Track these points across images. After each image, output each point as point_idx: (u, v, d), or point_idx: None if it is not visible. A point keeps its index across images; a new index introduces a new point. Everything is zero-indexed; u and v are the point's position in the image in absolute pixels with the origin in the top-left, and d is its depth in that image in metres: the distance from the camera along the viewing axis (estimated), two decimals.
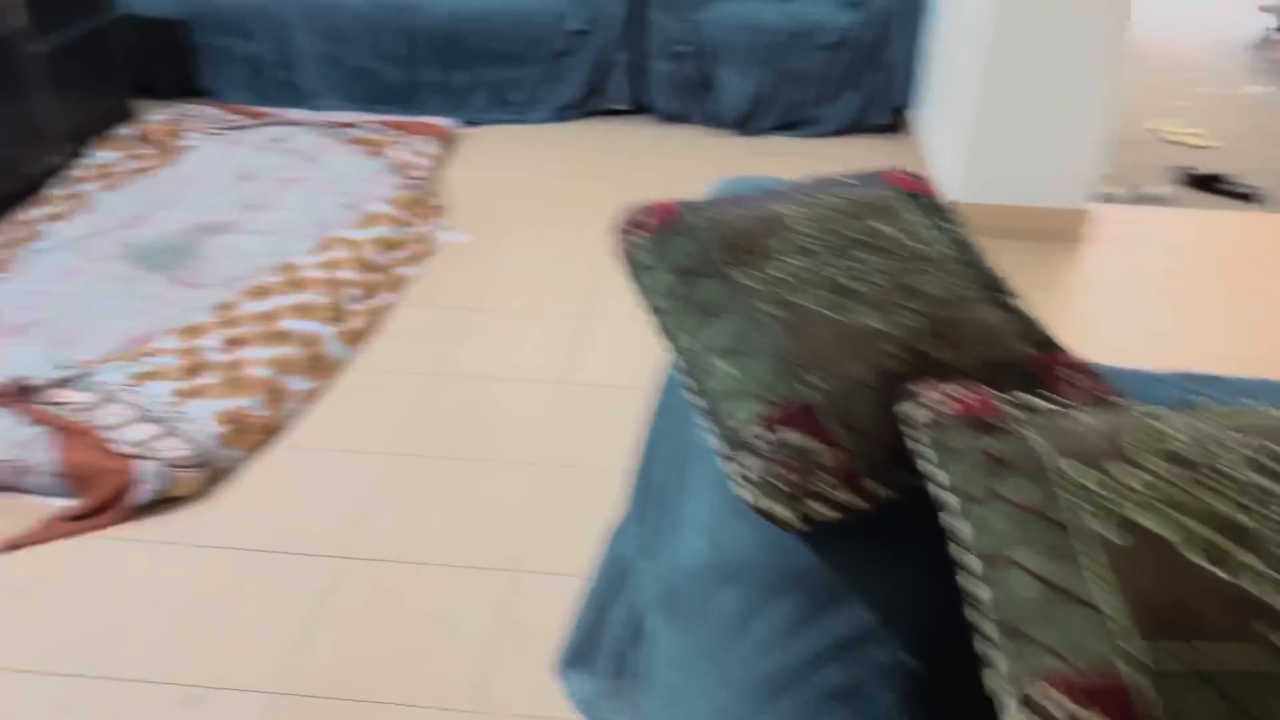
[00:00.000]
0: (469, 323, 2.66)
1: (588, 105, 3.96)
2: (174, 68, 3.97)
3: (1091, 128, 2.93)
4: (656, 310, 1.11)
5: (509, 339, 2.60)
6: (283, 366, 2.34)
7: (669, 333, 1.09)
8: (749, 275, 1.06)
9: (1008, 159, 3.00)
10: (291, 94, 3.97)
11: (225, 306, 2.55)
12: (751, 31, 3.70)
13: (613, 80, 3.90)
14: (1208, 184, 3.60)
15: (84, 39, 3.33)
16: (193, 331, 2.44)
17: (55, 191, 3.12)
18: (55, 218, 2.97)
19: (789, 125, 3.87)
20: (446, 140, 3.65)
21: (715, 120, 3.89)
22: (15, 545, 1.89)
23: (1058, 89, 2.88)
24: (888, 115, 3.81)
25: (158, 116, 3.63)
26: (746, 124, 3.86)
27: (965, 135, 3.01)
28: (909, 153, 3.71)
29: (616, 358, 2.51)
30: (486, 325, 2.65)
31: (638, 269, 1.16)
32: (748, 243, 1.10)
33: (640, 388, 2.18)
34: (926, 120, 3.63)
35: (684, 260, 1.12)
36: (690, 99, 3.88)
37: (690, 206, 1.19)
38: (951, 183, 3.10)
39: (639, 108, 3.99)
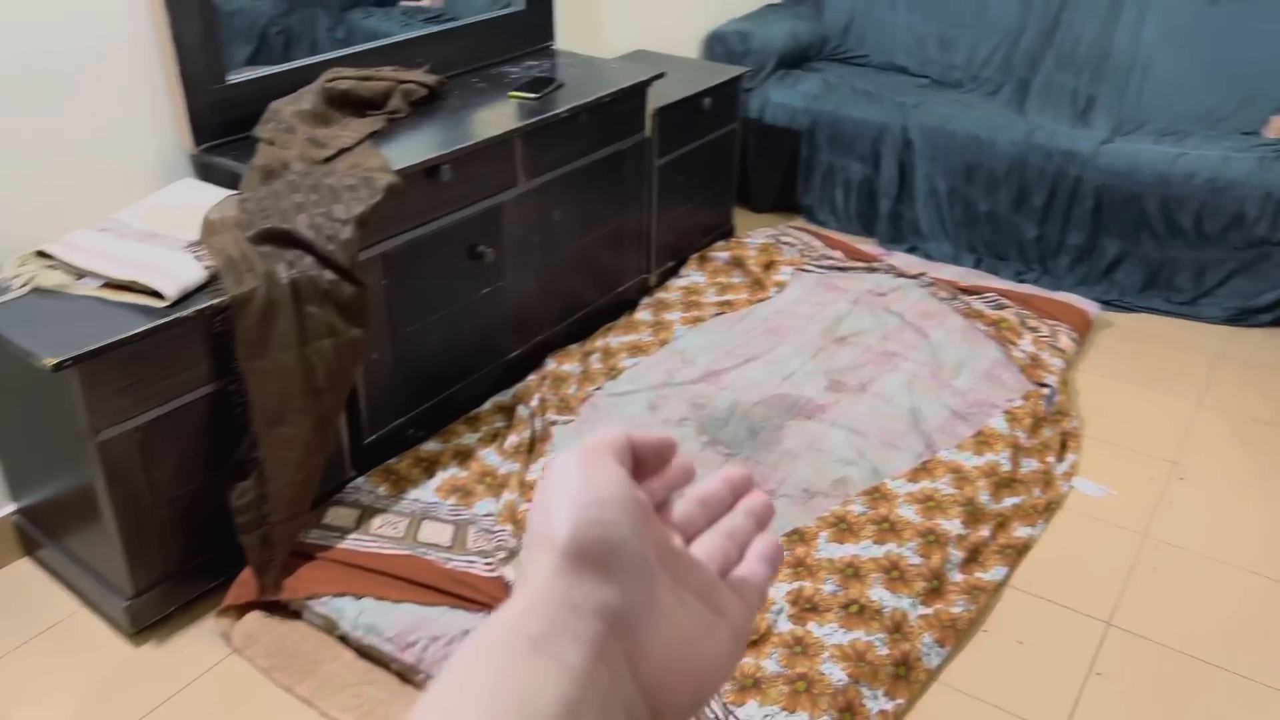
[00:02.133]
0: (1122, 650, 1.88)
1: None
2: (776, 179, 3.65)
3: None
4: None
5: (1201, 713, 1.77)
6: (861, 667, 1.75)
7: None
8: None
9: None
10: (897, 229, 3.45)
11: (799, 537, 2.04)
12: None
13: None
14: None
15: (706, 147, 3.08)
16: None
17: (642, 316, 2.88)
18: (636, 350, 2.70)
19: None
20: (1083, 330, 2.87)
21: None
22: None
23: None
24: None
25: (753, 240, 3.29)
26: None
27: None
28: None
29: None
30: (1155, 669, 1.85)
31: None
32: None
33: None
34: None
35: None
36: None
37: None
38: None
39: None
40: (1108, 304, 3.08)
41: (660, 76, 2.71)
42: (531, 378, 2.55)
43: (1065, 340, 2.78)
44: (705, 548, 0.41)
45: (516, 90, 2.48)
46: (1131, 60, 3.36)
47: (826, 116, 3.46)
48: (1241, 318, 2.98)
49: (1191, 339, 2.91)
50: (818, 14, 3.91)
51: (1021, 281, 3.18)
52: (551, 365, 2.59)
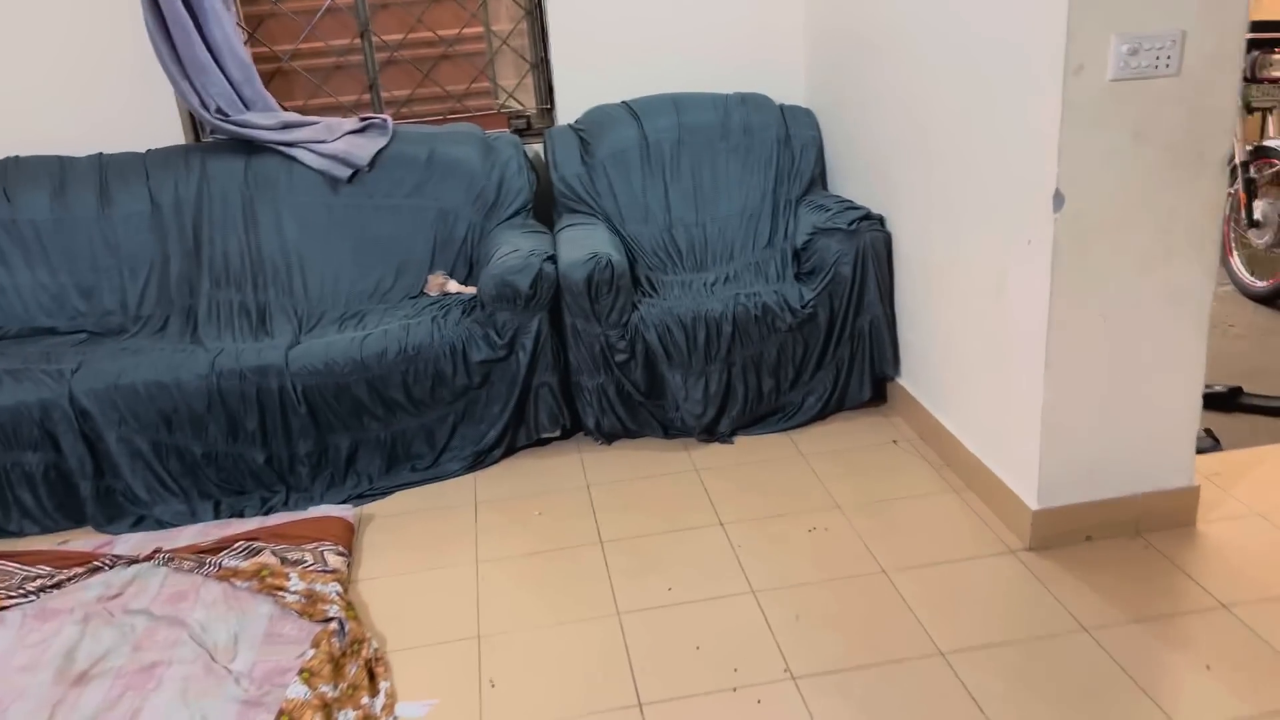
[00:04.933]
0: None
1: (511, 441, 3.16)
2: None
3: (1187, 386, 2.41)
4: None
5: None
6: None
7: None
8: None
9: (1094, 446, 2.42)
10: (113, 506, 2.95)
11: None
12: (697, 325, 3.07)
13: (538, 407, 3.14)
14: (1229, 403, 3.20)
15: None
16: None
17: None
18: None
19: (760, 419, 3.21)
20: (347, 538, 2.73)
21: (671, 429, 3.19)
22: None
23: (1142, 351, 2.36)
24: (868, 389, 3.22)
25: None
26: (711, 427, 3.17)
27: (1031, 430, 2.42)
28: (904, 425, 3.12)
29: None
30: None
31: None
32: None
33: None
34: (921, 388, 3.07)
35: None
36: (637, 411, 3.16)
37: None
38: (1021, 486, 2.49)
39: (567, 431, 3.24)
40: (361, 497, 3.00)
41: None
42: None
43: (333, 558, 2.60)
44: None
45: None
46: (286, 262, 3.37)
47: None
48: (479, 462, 3.13)
49: (449, 501, 2.97)
50: None
51: (270, 508, 2.94)
52: None
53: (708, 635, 2.27)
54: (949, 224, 2.73)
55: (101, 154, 3.43)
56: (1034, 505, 2.45)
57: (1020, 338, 2.43)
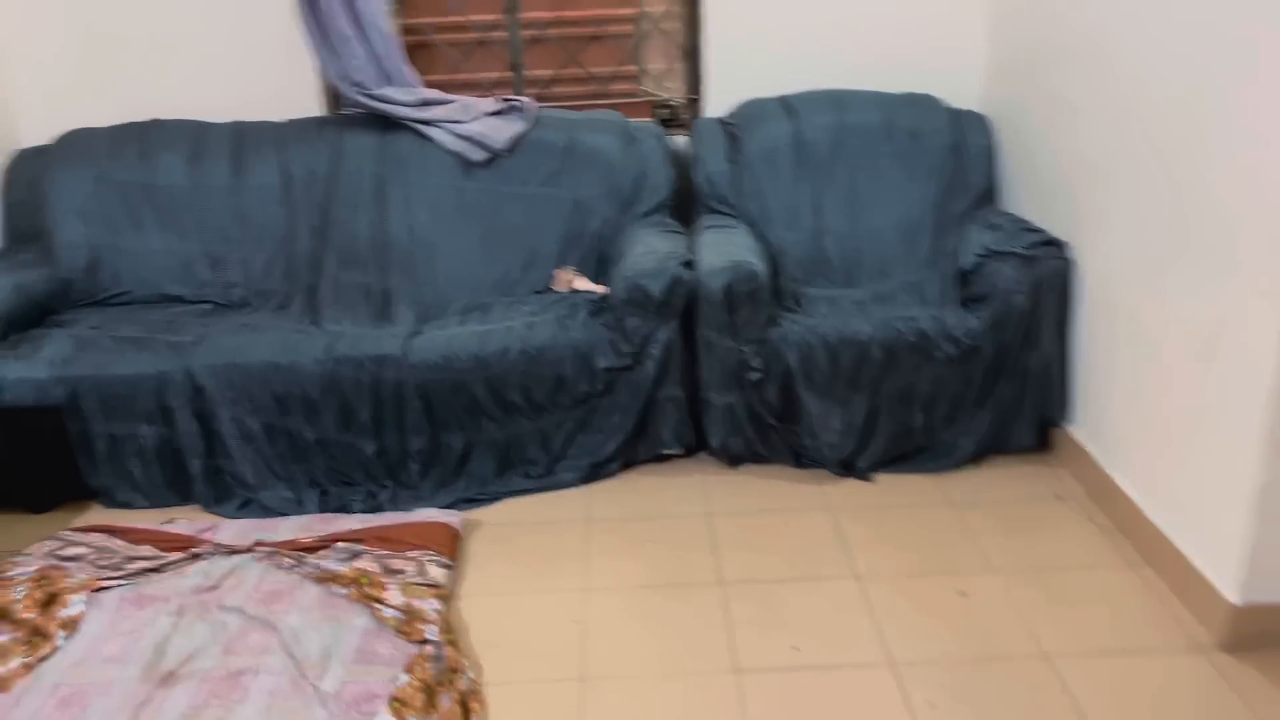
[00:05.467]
0: None
1: (630, 455, 2.95)
2: (48, 468, 2.85)
3: None
4: None
5: None
6: None
7: None
8: None
9: None
10: (220, 486, 2.87)
11: None
12: (842, 347, 2.78)
13: (661, 421, 2.91)
14: None
15: None
16: None
17: None
18: None
19: (905, 456, 2.91)
20: (452, 547, 2.56)
21: (804, 458, 2.92)
22: None
23: None
24: (1032, 435, 2.88)
25: (23, 570, 2.46)
26: (850, 461, 2.88)
27: (1239, 510, 2.05)
28: (1070, 480, 2.77)
29: None
30: None
31: None
32: None
33: None
34: (1095, 441, 2.70)
35: None
36: (768, 435, 2.90)
37: None
38: (1218, 574, 2.13)
39: (690, 449, 3.00)
40: (471, 501, 2.84)
41: None
42: None
43: (435, 570, 2.43)
44: None
45: None
46: (413, 246, 3.23)
47: (88, 381, 2.77)
48: (595, 473, 2.92)
49: (561, 514, 2.77)
50: (48, 257, 3.21)
51: (376, 504, 2.81)
52: None
53: (838, 711, 2.01)
54: (1151, 259, 2.37)
55: (240, 122, 3.36)
56: (1235, 599, 2.09)
57: (1234, 402, 2.06)
